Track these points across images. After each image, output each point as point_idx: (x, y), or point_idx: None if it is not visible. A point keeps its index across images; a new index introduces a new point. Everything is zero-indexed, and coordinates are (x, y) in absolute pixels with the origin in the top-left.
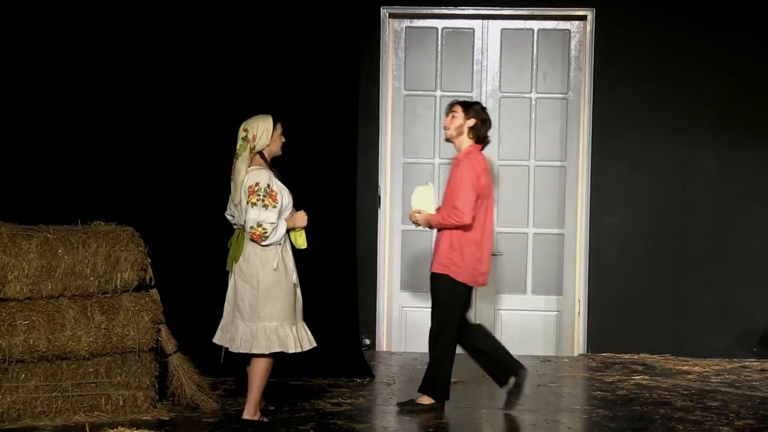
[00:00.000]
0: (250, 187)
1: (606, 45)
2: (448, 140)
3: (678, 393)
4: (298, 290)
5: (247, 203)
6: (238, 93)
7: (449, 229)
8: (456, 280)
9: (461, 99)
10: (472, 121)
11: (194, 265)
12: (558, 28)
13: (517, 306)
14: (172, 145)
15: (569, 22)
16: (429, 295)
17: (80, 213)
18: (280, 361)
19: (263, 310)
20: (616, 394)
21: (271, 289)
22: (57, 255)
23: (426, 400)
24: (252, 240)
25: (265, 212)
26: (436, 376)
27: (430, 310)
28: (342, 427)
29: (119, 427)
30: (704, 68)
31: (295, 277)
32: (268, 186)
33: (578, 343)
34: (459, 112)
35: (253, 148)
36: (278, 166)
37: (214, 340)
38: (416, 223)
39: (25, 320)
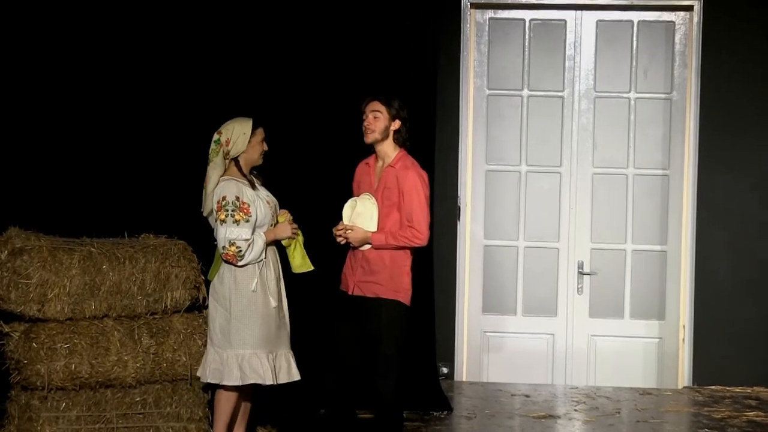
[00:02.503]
0: (217, 202)
1: (715, 39)
2: (370, 144)
3: None
4: (285, 314)
5: (216, 221)
6: (296, 94)
7: (395, 249)
8: (406, 306)
9: (381, 96)
10: (397, 123)
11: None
12: (661, 19)
13: (614, 332)
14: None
15: (673, 13)
16: (504, 319)
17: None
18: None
19: (235, 336)
20: None
21: (246, 312)
22: (101, 271)
23: None
24: (227, 262)
25: (237, 229)
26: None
27: (381, 340)
28: None
29: None
30: None
31: (275, 300)
32: (237, 198)
33: (683, 374)
34: (383, 112)
35: (227, 154)
36: (344, 171)
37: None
38: (345, 241)
39: (66, 343)
